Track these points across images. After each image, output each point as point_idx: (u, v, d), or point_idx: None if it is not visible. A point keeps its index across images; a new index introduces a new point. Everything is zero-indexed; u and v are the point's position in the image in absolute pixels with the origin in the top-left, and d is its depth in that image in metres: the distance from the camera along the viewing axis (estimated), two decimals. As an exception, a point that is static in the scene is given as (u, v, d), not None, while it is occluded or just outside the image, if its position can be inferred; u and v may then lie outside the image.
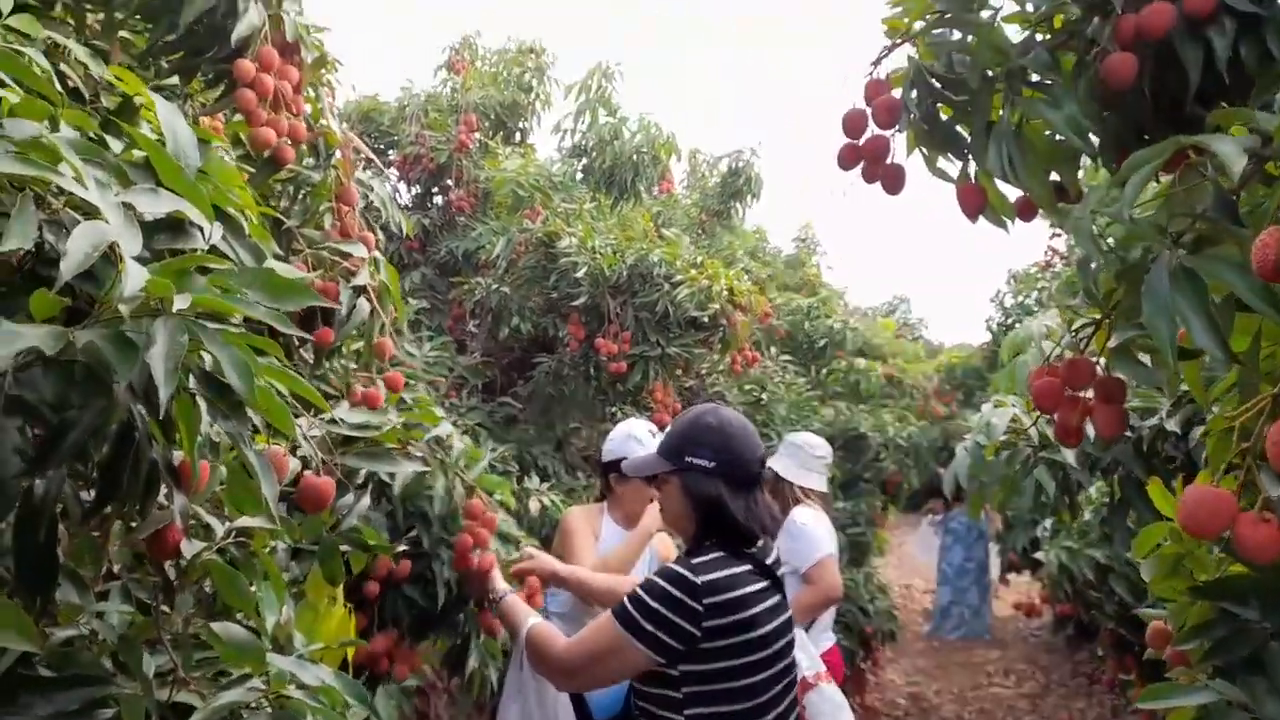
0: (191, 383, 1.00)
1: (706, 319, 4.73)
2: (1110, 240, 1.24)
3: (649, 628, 1.65)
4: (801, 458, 3.42)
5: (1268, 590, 1.32)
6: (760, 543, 1.84)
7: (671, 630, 1.65)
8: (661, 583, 1.69)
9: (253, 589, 1.18)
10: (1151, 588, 1.44)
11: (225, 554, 1.16)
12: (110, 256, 0.92)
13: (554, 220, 5.04)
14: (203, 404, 1.01)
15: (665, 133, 6.33)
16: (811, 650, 2.87)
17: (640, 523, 2.71)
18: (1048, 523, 4.27)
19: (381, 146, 6.38)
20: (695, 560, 1.72)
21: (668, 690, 1.71)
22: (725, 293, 4.77)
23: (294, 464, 1.45)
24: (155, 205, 1.03)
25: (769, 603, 1.78)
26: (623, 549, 2.65)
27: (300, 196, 2.37)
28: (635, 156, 6.22)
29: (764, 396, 6.36)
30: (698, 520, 1.81)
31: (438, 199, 6.41)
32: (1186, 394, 2.15)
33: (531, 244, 5.04)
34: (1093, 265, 1.20)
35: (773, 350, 7.33)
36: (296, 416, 1.64)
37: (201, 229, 1.14)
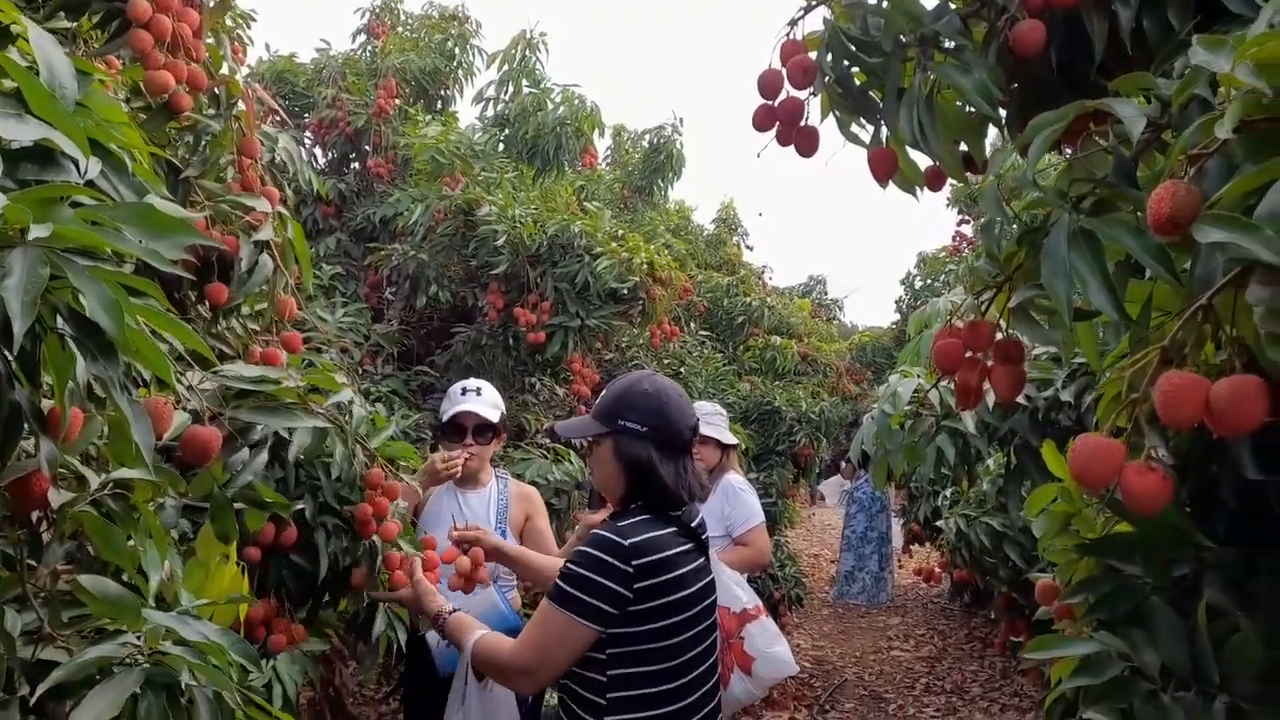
0: (62, 325, 0.94)
1: (626, 291, 4.72)
2: (1014, 207, 1.27)
3: (586, 598, 1.66)
4: (713, 420, 3.48)
5: (1150, 547, 1.38)
6: (685, 506, 1.85)
7: (608, 596, 1.66)
8: (591, 550, 1.70)
9: (132, 544, 1.12)
10: (1041, 545, 1.49)
11: (101, 507, 1.10)
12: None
13: (474, 188, 4.95)
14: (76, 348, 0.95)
15: (589, 105, 6.27)
16: (749, 589, 2.99)
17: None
18: (948, 492, 4.43)
19: (296, 109, 6.14)
20: (622, 524, 1.74)
21: (592, 652, 1.71)
22: (645, 266, 4.77)
23: (183, 417, 1.38)
24: (20, 131, 0.95)
25: (694, 564, 1.81)
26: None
27: (200, 147, 2.25)
28: (558, 128, 6.15)
29: (682, 370, 6.40)
30: (627, 483, 1.83)
31: (355, 165, 6.22)
32: (1081, 367, 2.24)
33: (450, 211, 4.94)
34: (996, 229, 1.22)
35: (692, 326, 7.39)
36: (189, 369, 1.57)
37: (76, 162, 1.06)
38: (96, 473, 1.19)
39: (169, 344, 1.46)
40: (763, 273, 10.88)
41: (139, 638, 1.01)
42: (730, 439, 3.52)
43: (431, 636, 2.53)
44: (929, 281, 10.25)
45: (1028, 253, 1.14)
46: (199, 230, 0.97)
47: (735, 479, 3.49)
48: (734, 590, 3.04)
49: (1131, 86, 1.01)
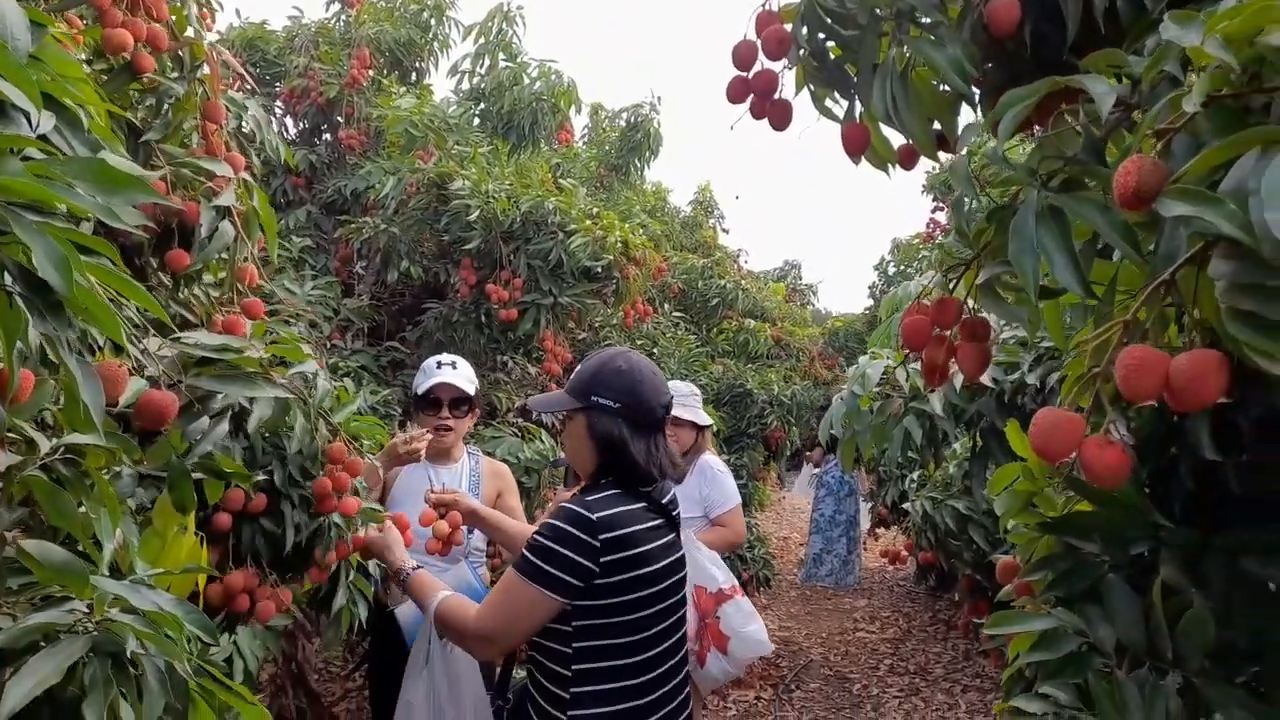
0: (10, 282, 0.91)
1: (600, 270, 4.70)
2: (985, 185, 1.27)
3: (552, 571, 1.67)
4: (689, 402, 3.48)
5: (1109, 526, 1.40)
6: (657, 483, 1.86)
7: (573, 569, 1.67)
8: (558, 523, 1.71)
9: (84, 511, 1.09)
10: (1002, 522, 1.50)
11: (52, 473, 1.07)
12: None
13: (447, 162, 4.89)
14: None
15: (566, 81, 6.21)
16: (725, 568, 3.03)
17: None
18: (915, 475, 4.48)
19: (267, 77, 6.03)
20: (590, 498, 1.75)
21: (558, 624, 1.71)
22: (620, 245, 4.74)
23: (139, 383, 1.35)
24: (-34, 79, 0.91)
25: (662, 540, 1.81)
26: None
27: (162, 110, 2.20)
28: (534, 104, 6.09)
29: (655, 351, 6.40)
30: (598, 459, 1.84)
31: (326, 136, 6.12)
32: (1047, 351, 2.26)
33: (423, 185, 4.88)
34: (966, 206, 1.22)
35: (666, 307, 7.38)
36: (148, 336, 1.53)
37: (28, 115, 1.02)
38: (49, 439, 1.16)
39: (126, 309, 1.43)
40: (738, 256, 10.90)
41: (88, 606, 0.99)
42: (705, 420, 3.53)
43: (401, 612, 2.52)
44: (903, 267, 10.32)
45: (996, 230, 1.14)
46: (153, 187, 0.93)
47: (713, 460, 3.51)
48: (710, 570, 3.07)
49: (1103, 63, 1.01)
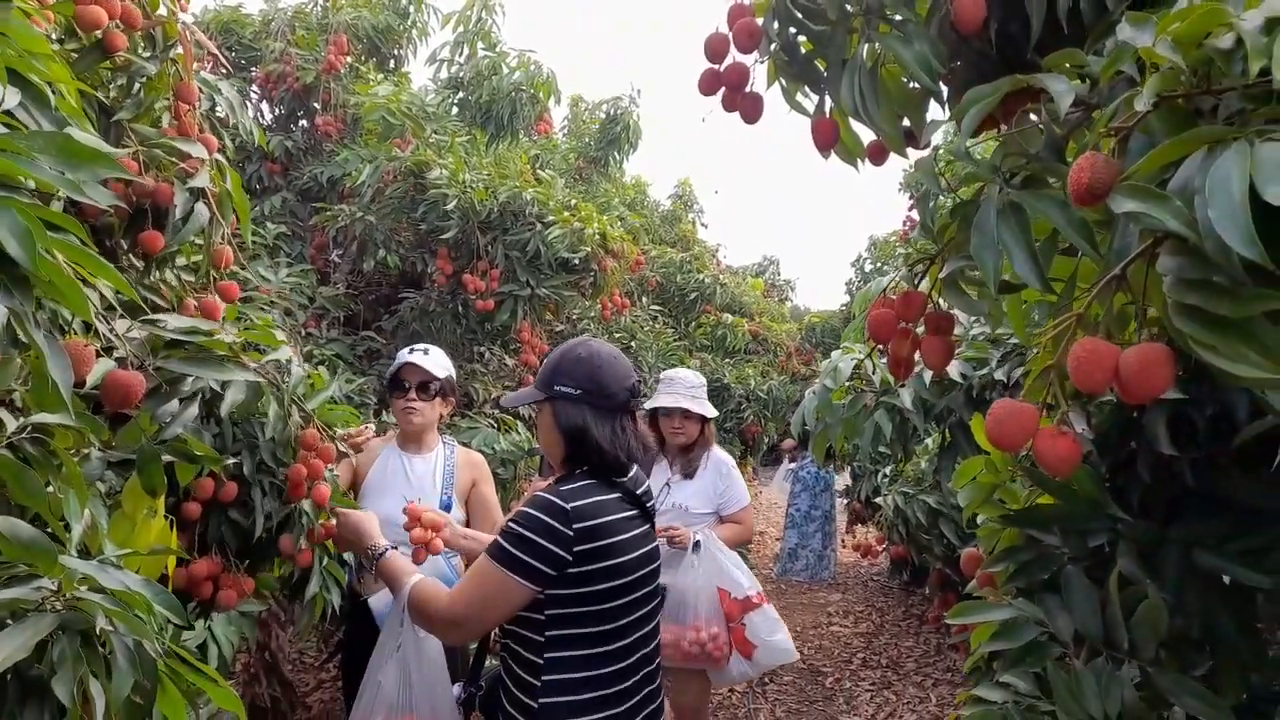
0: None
1: (578, 262, 4.70)
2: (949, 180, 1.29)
3: (525, 558, 1.68)
4: (698, 394, 3.49)
5: (1069, 519, 1.43)
6: (632, 473, 1.88)
7: (545, 557, 1.68)
8: (532, 512, 1.72)
9: (52, 491, 1.09)
10: (966, 513, 1.53)
11: (19, 452, 1.06)
12: None
13: (425, 150, 4.86)
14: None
15: (545, 72, 6.19)
16: (749, 573, 3.09)
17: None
18: (888, 469, 4.53)
19: (243, 62, 5.96)
20: (565, 488, 1.77)
21: (531, 613, 1.72)
22: (598, 237, 4.74)
23: (107, 364, 1.34)
24: (-70, 52, 0.91)
25: (636, 531, 1.83)
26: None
27: (134, 90, 2.18)
28: (513, 94, 6.07)
29: (633, 344, 6.41)
30: (565, 447, 1.85)
31: (302, 122, 6.06)
32: (1015, 348, 2.29)
33: (400, 173, 4.86)
34: (931, 201, 1.24)
35: (644, 300, 7.40)
36: (118, 317, 1.52)
37: (-7, 91, 1.02)
38: (16, 418, 1.16)
39: (95, 290, 1.42)
40: (717, 251, 10.93)
41: (56, 584, 0.99)
42: (712, 412, 3.54)
43: (374, 601, 2.51)
44: (879, 265, 10.39)
45: (959, 225, 1.16)
46: (120, 164, 0.93)
47: (725, 457, 3.55)
48: (735, 575, 3.13)
49: (1064, 62, 1.03)
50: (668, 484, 3.43)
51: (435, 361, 2.93)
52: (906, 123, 1.52)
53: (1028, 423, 0.87)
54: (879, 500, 4.53)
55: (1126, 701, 1.27)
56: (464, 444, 3.59)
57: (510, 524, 1.74)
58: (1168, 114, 0.81)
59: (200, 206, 1.92)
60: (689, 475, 3.43)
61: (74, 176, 0.88)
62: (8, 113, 1.01)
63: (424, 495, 2.84)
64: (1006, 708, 1.36)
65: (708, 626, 3.12)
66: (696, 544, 3.17)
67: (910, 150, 1.55)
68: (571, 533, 1.69)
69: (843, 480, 7.79)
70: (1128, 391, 0.81)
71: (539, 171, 5.79)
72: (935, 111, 1.56)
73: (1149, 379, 0.79)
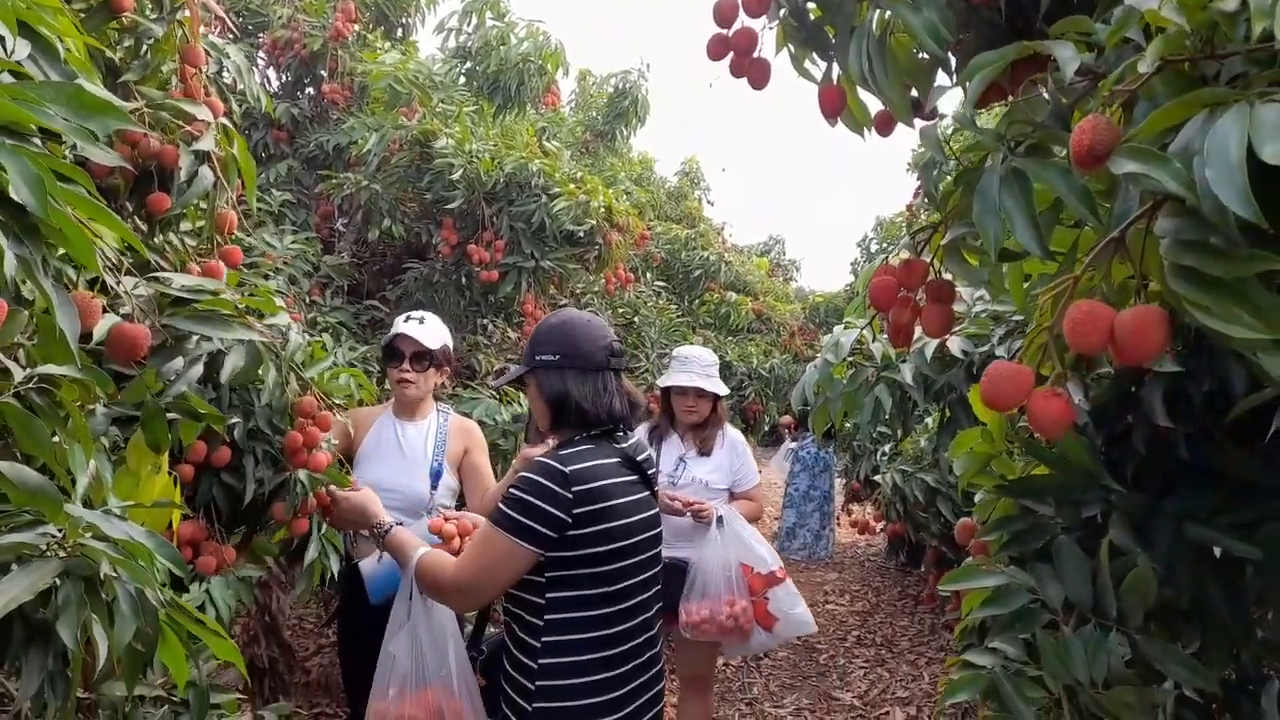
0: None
1: (582, 234, 4.70)
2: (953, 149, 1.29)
3: (527, 522, 1.71)
4: (710, 371, 3.51)
5: (1063, 489, 1.44)
6: (633, 440, 1.91)
7: (546, 520, 1.71)
8: (532, 476, 1.75)
9: (58, 441, 1.10)
10: (961, 482, 1.54)
11: (26, 401, 1.08)
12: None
13: (431, 119, 4.85)
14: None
15: (554, 43, 6.16)
16: (771, 549, 3.16)
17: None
18: (887, 448, 4.54)
19: (250, 27, 5.93)
20: (563, 452, 1.80)
21: (532, 575, 1.75)
22: (603, 210, 4.74)
23: (114, 319, 1.35)
24: (-59, 0, 0.91)
25: (635, 495, 1.86)
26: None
27: (141, 51, 2.17)
28: (521, 65, 6.03)
29: (636, 320, 6.41)
30: (551, 414, 1.89)
31: (309, 89, 6.04)
32: (1017, 325, 2.30)
33: (406, 142, 4.85)
34: (935, 169, 1.25)
35: (649, 276, 7.39)
36: (128, 275, 1.53)
37: (2, 40, 1.02)
38: (22, 370, 1.17)
39: (101, 246, 1.43)
40: (722, 229, 10.91)
41: (60, 531, 1.01)
42: (723, 389, 3.56)
43: (364, 565, 2.53)
44: (885, 245, 10.37)
45: (963, 192, 1.17)
46: (128, 115, 0.93)
47: (738, 435, 3.61)
48: (758, 550, 3.20)
49: (1070, 30, 1.03)
50: (683, 459, 3.46)
51: (430, 331, 2.91)
52: (914, 93, 1.52)
53: (1023, 384, 0.88)
54: (877, 479, 4.55)
55: (1113, 667, 1.29)
56: (464, 414, 3.60)
57: (511, 490, 1.76)
58: (1172, 78, 0.81)
59: (205, 170, 1.92)
60: (705, 452, 3.46)
61: (84, 125, 0.89)
62: (17, 64, 1.02)
63: (416, 463, 2.86)
64: (995, 672, 1.38)
65: (738, 600, 3.17)
66: (720, 519, 3.21)
67: (917, 121, 1.55)
68: (570, 495, 1.72)
69: (842, 461, 7.81)
70: (1122, 353, 0.82)
71: (545, 144, 5.77)
72: (943, 81, 1.56)
73: (1144, 340, 0.80)
